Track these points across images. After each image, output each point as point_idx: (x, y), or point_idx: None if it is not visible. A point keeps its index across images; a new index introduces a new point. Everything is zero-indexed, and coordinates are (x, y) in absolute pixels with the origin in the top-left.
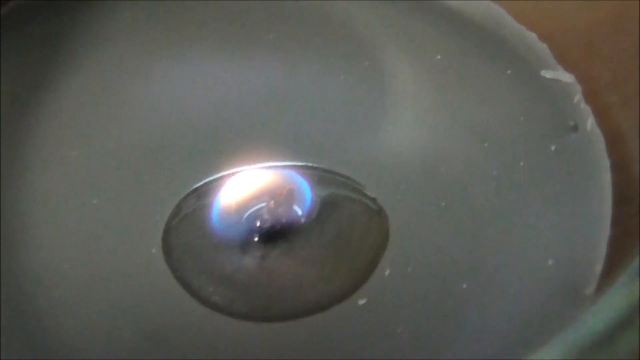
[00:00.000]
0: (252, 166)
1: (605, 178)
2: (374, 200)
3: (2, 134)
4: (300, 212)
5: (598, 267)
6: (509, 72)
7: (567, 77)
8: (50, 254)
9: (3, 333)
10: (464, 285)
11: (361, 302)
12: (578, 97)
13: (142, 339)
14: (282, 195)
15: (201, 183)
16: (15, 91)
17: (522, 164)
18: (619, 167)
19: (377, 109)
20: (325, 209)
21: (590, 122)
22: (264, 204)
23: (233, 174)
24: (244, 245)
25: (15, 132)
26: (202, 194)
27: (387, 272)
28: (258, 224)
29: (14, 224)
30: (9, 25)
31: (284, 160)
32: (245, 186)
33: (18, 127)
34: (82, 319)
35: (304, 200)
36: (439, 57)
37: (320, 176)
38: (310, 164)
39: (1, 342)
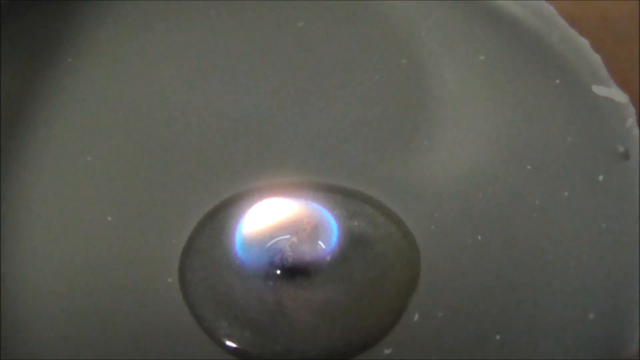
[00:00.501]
0: (277, 182)
1: None
2: (406, 233)
3: (13, 138)
4: (324, 249)
5: None
6: (557, 81)
7: (620, 97)
8: (60, 278)
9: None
10: (497, 337)
11: (387, 351)
12: (631, 120)
13: None
14: (307, 231)
15: (220, 200)
16: (23, 96)
17: (566, 194)
18: None
19: (413, 118)
20: (352, 244)
21: None
22: (286, 237)
23: (257, 190)
24: (264, 280)
25: (27, 137)
26: (221, 219)
27: (416, 318)
28: (279, 259)
29: (22, 240)
30: (12, 23)
31: (311, 177)
32: (267, 215)
33: (29, 132)
34: (93, 347)
35: (329, 236)
36: (482, 57)
37: (348, 204)
38: (337, 183)
39: None
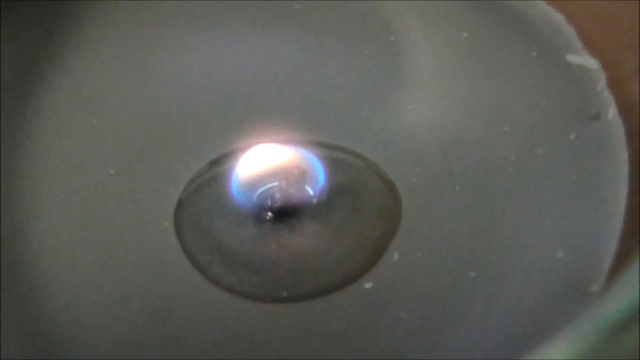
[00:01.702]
0: (268, 140)
1: (622, 171)
2: (388, 182)
3: (23, 99)
4: (311, 193)
5: (607, 264)
6: (534, 53)
7: (592, 63)
8: (64, 221)
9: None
10: (472, 274)
11: (367, 285)
12: (602, 84)
13: (148, 312)
14: (295, 175)
15: (215, 156)
16: (35, 59)
17: (540, 151)
18: (637, 158)
19: (399, 86)
20: (337, 190)
21: (612, 111)
22: (276, 183)
23: (248, 147)
24: (255, 223)
25: (36, 98)
26: (216, 169)
27: (395, 257)
28: (269, 202)
29: (30, 189)
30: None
31: (300, 135)
32: (259, 163)
33: (39, 93)
34: (91, 287)
35: (316, 180)
36: (465, 35)
37: (335, 155)
38: (325, 141)
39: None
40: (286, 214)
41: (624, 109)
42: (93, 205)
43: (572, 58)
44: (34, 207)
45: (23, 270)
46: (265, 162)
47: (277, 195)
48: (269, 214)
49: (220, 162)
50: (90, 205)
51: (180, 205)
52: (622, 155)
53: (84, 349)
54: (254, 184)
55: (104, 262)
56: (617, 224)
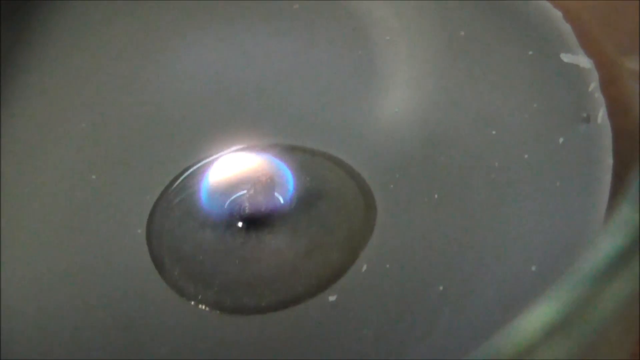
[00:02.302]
0: (247, 145)
1: (605, 180)
2: (364, 189)
3: (6, 103)
4: (281, 201)
5: None
6: (530, 52)
7: (585, 62)
8: (37, 222)
9: None
10: (440, 288)
11: (331, 298)
12: (594, 84)
13: (113, 320)
14: (263, 182)
15: (193, 162)
16: (20, 63)
17: (526, 156)
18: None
19: (389, 87)
20: (310, 196)
21: (601, 114)
22: (244, 191)
23: (227, 152)
24: (223, 231)
25: (20, 103)
26: (191, 176)
27: (364, 268)
28: (238, 211)
29: (11, 190)
30: None
31: (280, 139)
32: (229, 171)
33: (23, 97)
34: (58, 294)
35: (286, 186)
36: (462, 33)
37: (310, 160)
38: (306, 145)
39: None
40: (254, 222)
41: (614, 111)
42: (66, 210)
43: (566, 57)
44: (9, 207)
45: None
46: (236, 169)
47: (246, 204)
48: (239, 222)
49: (196, 169)
50: (63, 210)
51: (152, 213)
52: (607, 162)
53: (46, 355)
54: (223, 192)
55: (73, 267)
56: (593, 237)
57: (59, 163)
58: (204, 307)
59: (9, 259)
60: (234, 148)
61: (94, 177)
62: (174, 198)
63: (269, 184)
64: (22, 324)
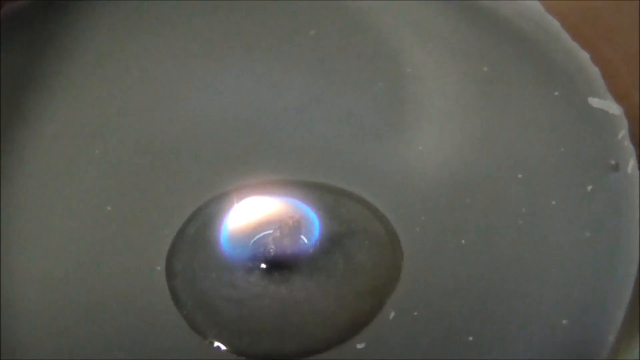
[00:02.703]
0: (266, 181)
1: (635, 231)
2: (390, 232)
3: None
4: (306, 243)
5: (613, 335)
6: (556, 93)
7: (614, 109)
8: (55, 257)
9: None
10: (470, 338)
11: (360, 346)
12: (623, 132)
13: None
14: (289, 225)
15: (212, 196)
16: (33, 96)
17: (554, 203)
18: None
19: (411, 123)
20: (335, 239)
21: (631, 164)
22: (269, 232)
23: (247, 187)
24: (247, 274)
25: (34, 131)
26: (211, 213)
27: (391, 315)
28: (262, 252)
29: (23, 222)
30: (19, 24)
31: (302, 176)
32: (254, 211)
33: (37, 126)
34: (77, 330)
35: (312, 229)
36: (485, 69)
37: (335, 200)
38: (328, 182)
39: None
40: (279, 265)
41: None
42: (84, 242)
43: (594, 102)
44: (25, 238)
45: (7, 308)
46: (259, 210)
47: (271, 245)
48: (262, 264)
49: (216, 205)
50: (81, 242)
51: (172, 251)
52: (637, 213)
53: None
54: (246, 233)
55: (91, 303)
56: (627, 291)
57: (75, 196)
58: (225, 350)
59: (26, 293)
60: (254, 182)
61: (109, 208)
62: (195, 235)
63: (295, 226)
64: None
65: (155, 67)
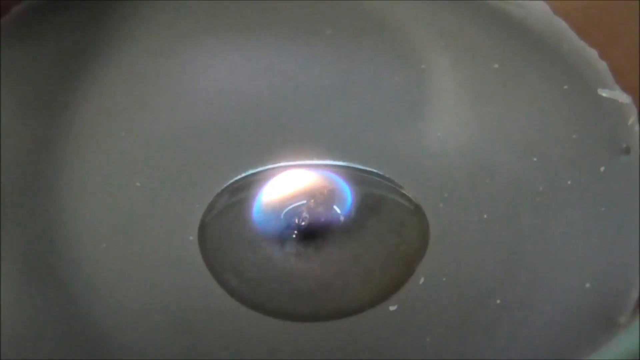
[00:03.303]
0: (295, 162)
1: None
2: (416, 206)
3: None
4: (339, 212)
5: (634, 295)
6: (565, 87)
7: (624, 98)
8: (90, 231)
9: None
10: (498, 301)
11: (392, 308)
12: (633, 119)
13: (169, 324)
14: (323, 195)
15: (242, 176)
16: (63, 80)
17: (569, 182)
18: None
19: (428, 113)
20: (365, 210)
21: None
22: (303, 202)
23: (274, 169)
24: (281, 241)
25: (67, 113)
26: (242, 188)
27: (421, 281)
28: (296, 221)
29: (59, 199)
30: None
31: (328, 158)
32: (286, 184)
33: (67, 112)
34: (114, 298)
35: (344, 200)
36: (496, 65)
37: (363, 177)
38: (354, 164)
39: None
40: (313, 233)
41: None
42: (118, 218)
43: (603, 92)
44: (56, 217)
45: (54, 279)
46: (293, 183)
47: (305, 214)
48: (295, 232)
49: (245, 182)
50: (115, 217)
51: (205, 221)
52: None
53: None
54: (280, 203)
55: (127, 274)
56: None
57: (108, 171)
58: (262, 313)
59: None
60: (282, 164)
61: (138, 184)
62: (227, 206)
63: (328, 196)
64: (82, 327)
65: (186, 52)
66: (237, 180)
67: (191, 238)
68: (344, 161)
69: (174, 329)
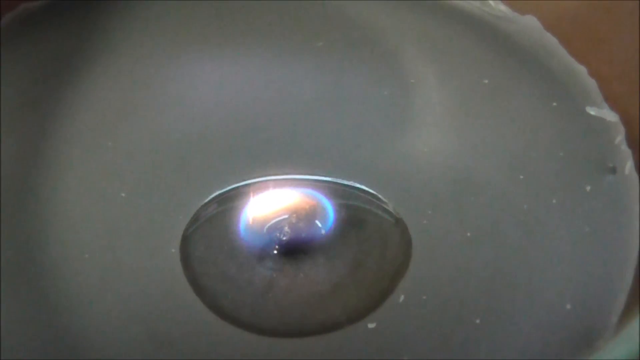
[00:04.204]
0: (280, 177)
1: (635, 226)
2: (399, 223)
3: (40, 123)
4: (321, 227)
5: (614, 318)
6: (554, 104)
7: (611, 116)
8: (73, 240)
9: (12, 313)
10: (477, 321)
11: (371, 325)
12: (620, 138)
13: (147, 336)
14: (305, 210)
15: (225, 189)
16: (50, 89)
17: (554, 201)
18: None
19: (415, 128)
20: (347, 228)
21: (629, 166)
22: (285, 217)
23: (259, 182)
24: (262, 255)
25: (53, 121)
26: (226, 201)
27: (401, 299)
28: (278, 235)
29: (43, 206)
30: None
31: (313, 172)
32: (270, 198)
33: (54, 120)
34: (93, 307)
35: (326, 215)
36: (486, 81)
37: (347, 192)
38: (340, 180)
39: (2, 322)
40: (294, 248)
41: None
42: (101, 227)
43: (591, 110)
44: (39, 223)
45: (33, 287)
46: (276, 197)
47: (286, 229)
48: (277, 247)
49: (229, 195)
50: (98, 227)
51: (187, 234)
52: (636, 210)
53: None
54: (263, 218)
55: (108, 285)
56: (627, 279)
57: (94, 180)
58: (241, 328)
59: (45, 273)
60: (267, 178)
61: (123, 195)
62: (210, 219)
63: (310, 211)
64: (60, 336)
65: (176, 63)
66: (221, 193)
67: (173, 250)
68: (329, 175)
69: (152, 342)
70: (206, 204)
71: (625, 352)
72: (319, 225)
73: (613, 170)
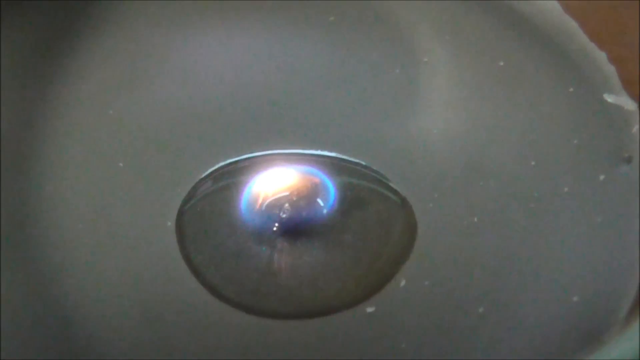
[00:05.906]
0: (282, 151)
1: None
2: (405, 205)
3: (42, 89)
4: (322, 206)
5: (622, 314)
6: (571, 89)
7: (630, 105)
8: (68, 210)
9: (6, 285)
10: (480, 310)
11: (370, 310)
12: (637, 127)
13: (139, 311)
14: (306, 187)
15: (227, 162)
16: (53, 55)
17: (566, 189)
18: None
19: (427, 109)
20: (350, 206)
21: None
22: (286, 194)
23: (260, 157)
24: (260, 234)
25: (53, 89)
26: (225, 175)
27: (402, 283)
28: (278, 213)
29: (39, 175)
30: None
31: (319, 150)
32: (270, 176)
33: (56, 87)
34: (85, 279)
35: (327, 195)
36: (501, 63)
37: (352, 170)
38: (344, 157)
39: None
40: (294, 227)
41: None
42: (98, 197)
43: (609, 97)
44: (36, 196)
45: (26, 258)
46: (277, 174)
47: (287, 207)
48: (276, 225)
49: (229, 169)
50: (94, 197)
51: (184, 208)
52: None
53: (77, 345)
54: (263, 194)
55: (101, 257)
56: (637, 273)
57: (92, 150)
58: (236, 308)
59: (39, 243)
60: (270, 152)
61: (120, 164)
62: (208, 194)
63: (312, 189)
64: (51, 309)
65: (180, 34)
66: (220, 167)
67: (169, 224)
68: (333, 151)
69: (144, 317)
70: (205, 177)
71: (628, 351)
72: (321, 203)
73: (628, 160)
